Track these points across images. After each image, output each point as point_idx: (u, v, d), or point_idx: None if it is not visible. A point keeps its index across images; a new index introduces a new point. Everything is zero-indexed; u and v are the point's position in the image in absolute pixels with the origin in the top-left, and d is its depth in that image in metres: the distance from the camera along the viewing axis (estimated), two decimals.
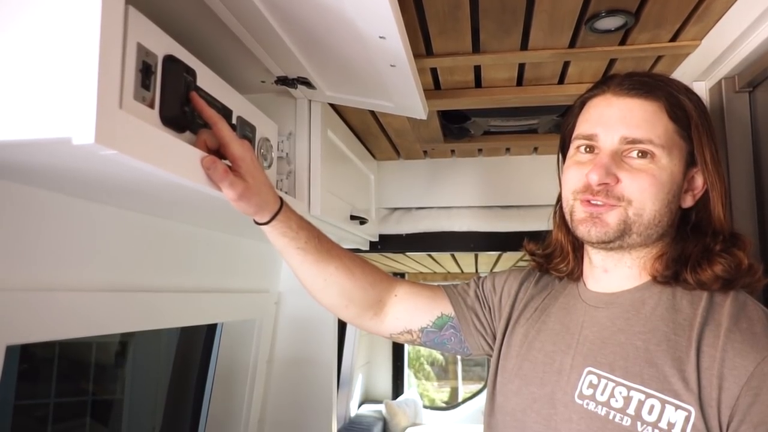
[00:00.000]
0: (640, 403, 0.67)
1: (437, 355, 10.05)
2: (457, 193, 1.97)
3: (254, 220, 0.89)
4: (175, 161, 0.70)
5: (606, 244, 0.74)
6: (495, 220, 1.90)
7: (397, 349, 4.58)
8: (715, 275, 0.70)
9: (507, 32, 1.04)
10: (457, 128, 1.58)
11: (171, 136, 0.69)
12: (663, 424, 0.65)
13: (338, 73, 1.08)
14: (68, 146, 0.56)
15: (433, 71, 1.23)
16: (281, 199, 0.90)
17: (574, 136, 0.79)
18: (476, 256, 2.96)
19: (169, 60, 0.76)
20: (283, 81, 1.14)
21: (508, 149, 1.89)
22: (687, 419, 0.64)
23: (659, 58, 1.14)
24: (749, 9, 0.89)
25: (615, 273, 0.78)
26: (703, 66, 1.05)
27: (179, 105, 0.76)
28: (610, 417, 0.69)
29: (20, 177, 0.76)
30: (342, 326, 3.55)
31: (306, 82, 1.13)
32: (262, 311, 1.73)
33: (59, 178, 0.77)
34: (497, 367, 0.90)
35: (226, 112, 0.93)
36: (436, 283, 1.04)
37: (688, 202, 0.76)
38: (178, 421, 1.69)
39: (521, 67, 1.21)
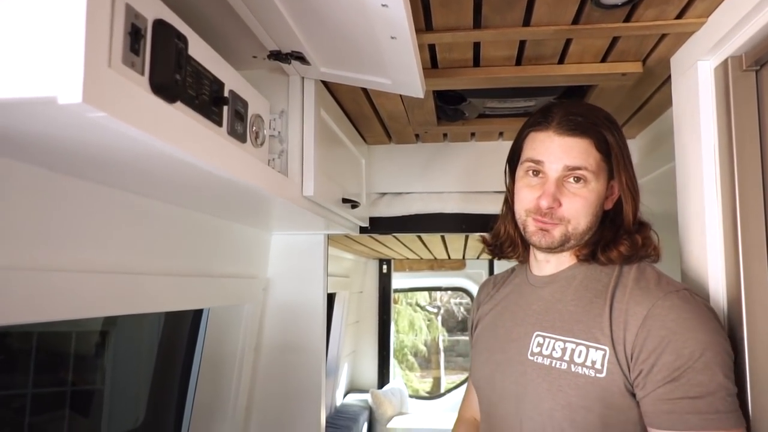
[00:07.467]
0: (572, 351, 0.92)
1: (420, 346, 10.06)
2: (449, 177, 1.94)
3: None
4: (166, 128, 0.66)
5: (552, 250, 1.00)
6: (487, 204, 1.88)
7: (383, 338, 4.55)
8: (620, 253, 0.96)
9: (510, 6, 1.01)
10: (452, 110, 1.55)
11: (163, 101, 0.65)
12: (588, 363, 0.89)
13: (335, 47, 1.04)
14: (53, 108, 0.52)
15: (431, 48, 1.20)
16: None
17: (524, 158, 1.01)
18: (466, 239, 2.94)
19: (160, 24, 0.71)
20: (276, 56, 1.09)
21: (501, 133, 1.86)
22: (604, 356, 0.88)
23: (663, 36, 1.11)
24: None
25: (554, 262, 1.04)
26: (709, 45, 1.02)
27: (170, 72, 0.72)
28: (553, 365, 0.93)
29: (1, 148, 0.71)
30: (329, 315, 3.52)
31: (300, 57, 1.09)
32: (250, 297, 1.69)
33: (41, 150, 0.73)
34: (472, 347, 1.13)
35: (217, 85, 0.89)
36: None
37: (608, 205, 1.02)
38: (163, 410, 1.65)
39: (521, 45, 1.18)
